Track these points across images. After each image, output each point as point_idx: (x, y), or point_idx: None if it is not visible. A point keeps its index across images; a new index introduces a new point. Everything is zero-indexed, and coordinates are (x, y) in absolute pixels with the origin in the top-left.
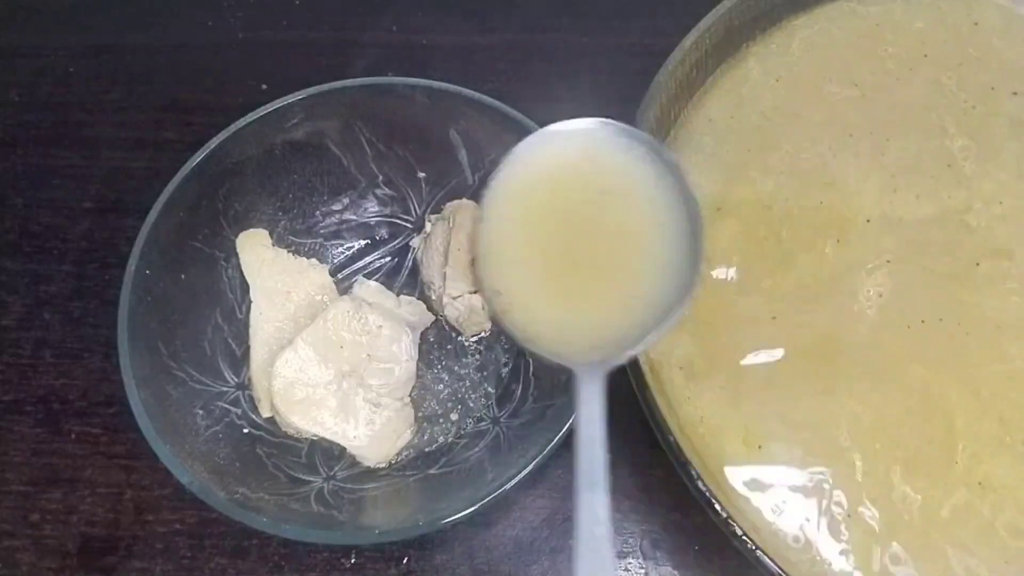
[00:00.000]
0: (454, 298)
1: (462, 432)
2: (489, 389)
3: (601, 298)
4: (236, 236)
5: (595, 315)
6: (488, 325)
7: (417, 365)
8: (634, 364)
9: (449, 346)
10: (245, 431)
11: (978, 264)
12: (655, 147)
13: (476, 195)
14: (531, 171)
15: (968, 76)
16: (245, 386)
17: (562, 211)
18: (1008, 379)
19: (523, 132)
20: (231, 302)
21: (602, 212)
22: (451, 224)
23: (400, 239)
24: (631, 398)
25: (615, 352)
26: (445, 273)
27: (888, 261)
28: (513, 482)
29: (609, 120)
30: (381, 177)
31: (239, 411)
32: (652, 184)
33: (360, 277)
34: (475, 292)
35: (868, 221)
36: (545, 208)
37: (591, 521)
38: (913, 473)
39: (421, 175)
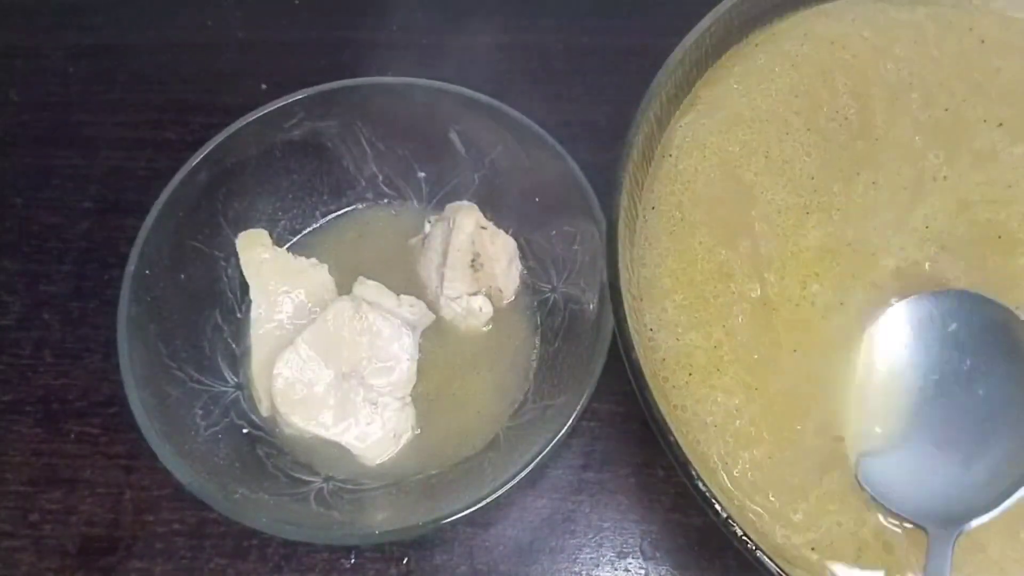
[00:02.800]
0: (452, 299)
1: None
2: None
3: (958, 466)
4: (236, 236)
5: (952, 478)
6: (485, 327)
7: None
8: (634, 364)
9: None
10: (245, 431)
11: None
12: (1006, 311)
13: (476, 195)
14: (901, 341)
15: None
16: (245, 386)
17: (928, 380)
18: None
19: (523, 132)
20: (231, 302)
21: (964, 380)
22: (451, 225)
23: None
24: (631, 398)
25: (967, 515)
26: (444, 273)
27: None
28: (513, 482)
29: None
30: (381, 177)
31: (239, 411)
32: (1004, 352)
33: (360, 276)
34: (474, 294)
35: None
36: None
37: None
38: None
39: (421, 175)
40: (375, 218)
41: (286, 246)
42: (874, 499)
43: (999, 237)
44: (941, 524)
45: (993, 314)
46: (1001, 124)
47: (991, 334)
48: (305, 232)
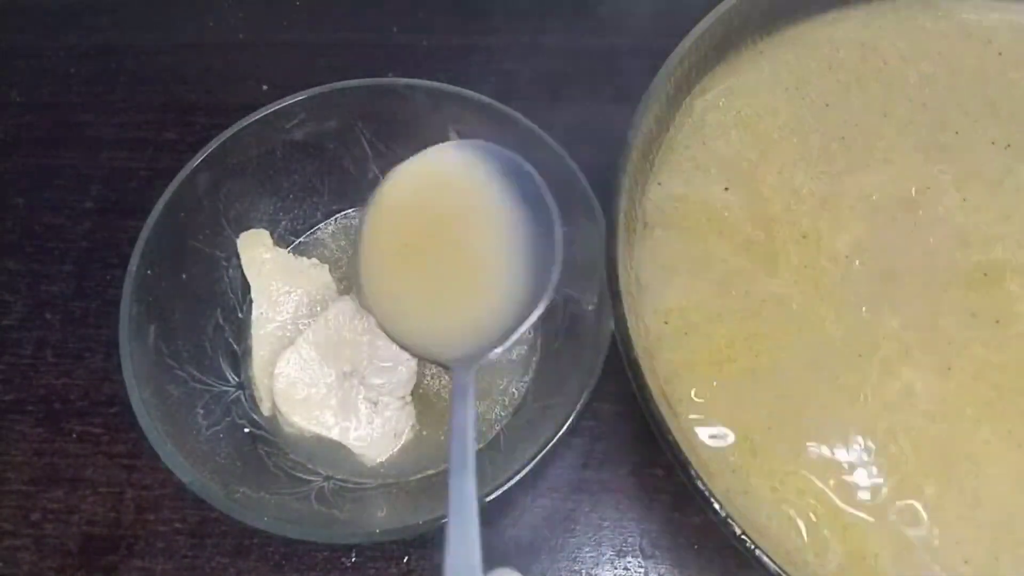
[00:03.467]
0: None
1: None
2: None
3: (469, 302)
4: (237, 236)
5: (465, 317)
6: None
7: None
8: (634, 364)
9: None
10: (246, 431)
11: None
12: (516, 162)
13: None
14: (402, 193)
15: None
16: (246, 386)
17: (430, 228)
18: None
19: (523, 132)
20: (232, 302)
21: (466, 226)
22: None
23: None
24: (631, 398)
25: (483, 349)
26: None
27: None
28: (513, 481)
29: (468, 141)
30: (382, 177)
31: (240, 411)
32: (510, 197)
33: None
34: None
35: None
36: (415, 226)
37: (460, 500)
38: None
39: None
40: None
41: (287, 247)
42: (401, 345)
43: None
44: (462, 361)
45: (498, 163)
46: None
47: (491, 181)
48: (306, 233)
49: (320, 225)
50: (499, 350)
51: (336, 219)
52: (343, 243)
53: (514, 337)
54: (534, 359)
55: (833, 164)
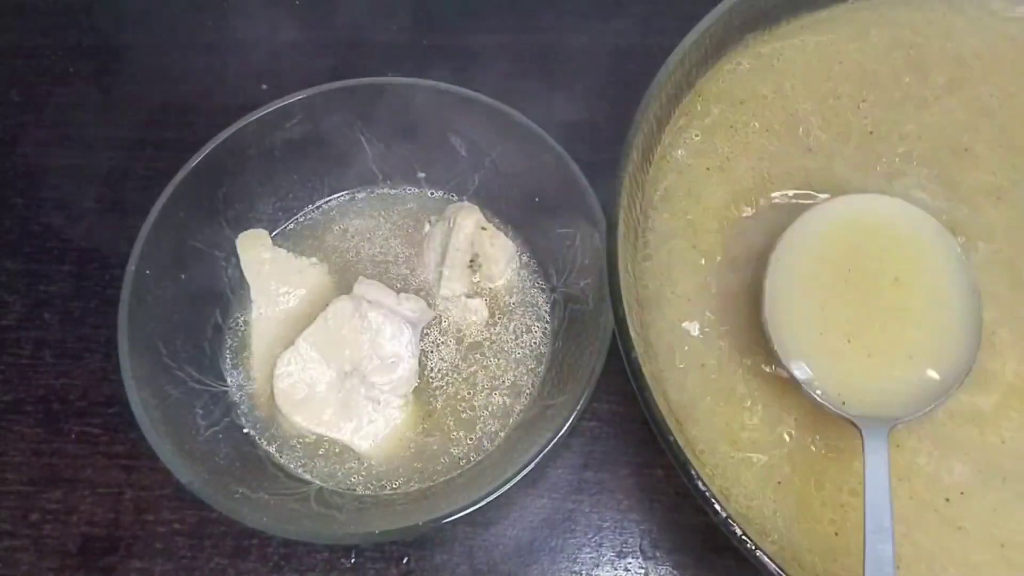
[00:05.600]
0: (448, 299)
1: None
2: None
3: (888, 362)
4: (236, 236)
5: (881, 377)
6: (484, 327)
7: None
8: (634, 364)
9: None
10: (245, 431)
11: None
12: (942, 231)
13: (476, 195)
14: (824, 234)
15: None
16: (245, 386)
17: (854, 279)
18: None
19: (523, 132)
20: (231, 302)
21: (892, 282)
22: (451, 225)
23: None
24: (631, 398)
25: (899, 411)
26: (441, 272)
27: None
28: (513, 482)
29: (901, 201)
30: (381, 177)
31: (239, 411)
32: (940, 268)
33: (360, 276)
34: (472, 297)
35: None
36: (838, 273)
37: (877, 565)
38: None
39: (421, 175)
40: (375, 218)
41: (286, 246)
42: (809, 392)
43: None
44: (872, 421)
45: (912, 220)
46: None
47: (910, 238)
48: (305, 232)
49: (320, 225)
50: (914, 415)
51: (335, 219)
52: (342, 243)
53: (935, 404)
54: (533, 359)
55: None
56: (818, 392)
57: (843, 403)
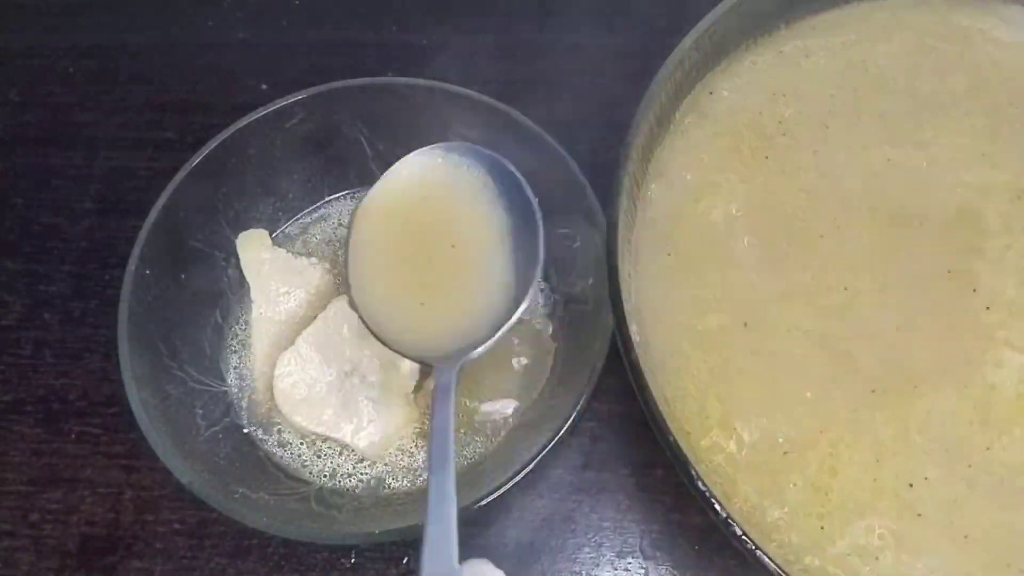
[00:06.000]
0: None
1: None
2: None
3: (454, 302)
4: (236, 236)
5: (449, 318)
6: None
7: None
8: (634, 364)
9: None
10: (245, 431)
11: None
12: (500, 163)
13: None
14: (389, 197)
15: None
16: (245, 386)
17: (417, 231)
18: None
19: (523, 132)
20: (231, 302)
21: (451, 229)
22: None
23: None
24: (631, 398)
25: (465, 348)
26: None
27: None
28: (513, 482)
29: (455, 144)
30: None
31: (239, 411)
32: (495, 198)
33: None
34: None
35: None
36: (402, 229)
37: (440, 498)
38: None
39: None
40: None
41: (286, 246)
42: (388, 346)
43: None
44: (445, 360)
45: (488, 164)
46: None
47: (476, 183)
48: (305, 232)
49: (319, 224)
50: (481, 349)
51: (335, 218)
52: (341, 243)
53: (496, 337)
54: (534, 359)
55: None
56: (395, 345)
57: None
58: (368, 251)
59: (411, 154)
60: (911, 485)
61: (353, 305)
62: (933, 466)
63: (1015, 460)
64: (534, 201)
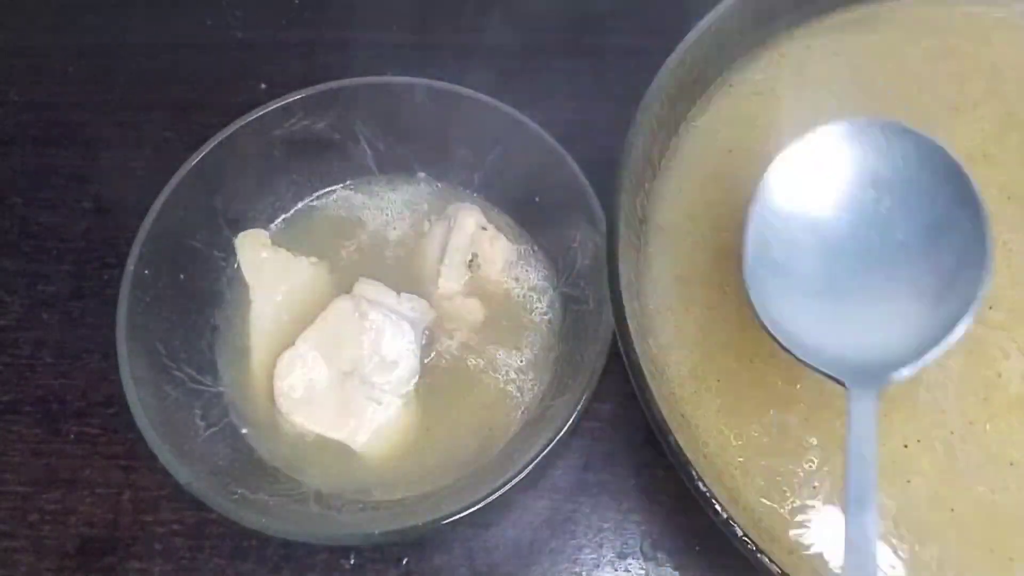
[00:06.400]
0: (445, 298)
1: None
2: None
3: (877, 315)
4: (235, 236)
5: (870, 332)
6: (483, 326)
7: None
8: (634, 364)
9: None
10: (244, 431)
11: None
12: (939, 149)
13: (476, 195)
14: (808, 177)
15: None
16: (245, 386)
17: (841, 220)
18: None
19: (523, 132)
20: (230, 302)
21: (881, 221)
22: (451, 225)
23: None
24: (631, 398)
25: (890, 369)
26: (439, 271)
27: None
28: (513, 482)
29: (865, 122)
30: (381, 177)
31: (238, 411)
32: (930, 190)
33: (360, 276)
34: (470, 297)
35: None
36: (823, 216)
37: (860, 540)
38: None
39: (421, 175)
40: (375, 218)
41: (285, 246)
42: (784, 348)
43: None
44: (860, 377)
45: (917, 148)
46: None
47: (914, 171)
48: (305, 232)
49: (320, 225)
50: (910, 370)
51: (335, 219)
52: (342, 243)
53: (934, 355)
54: (533, 359)
55: None
56: (799, 352)
57: (831, 362)
58: (780, 244)
59: (809, 134)
60: (908, 482)
61: (752, 301)
62: None
63: None
64: (978, 194)
